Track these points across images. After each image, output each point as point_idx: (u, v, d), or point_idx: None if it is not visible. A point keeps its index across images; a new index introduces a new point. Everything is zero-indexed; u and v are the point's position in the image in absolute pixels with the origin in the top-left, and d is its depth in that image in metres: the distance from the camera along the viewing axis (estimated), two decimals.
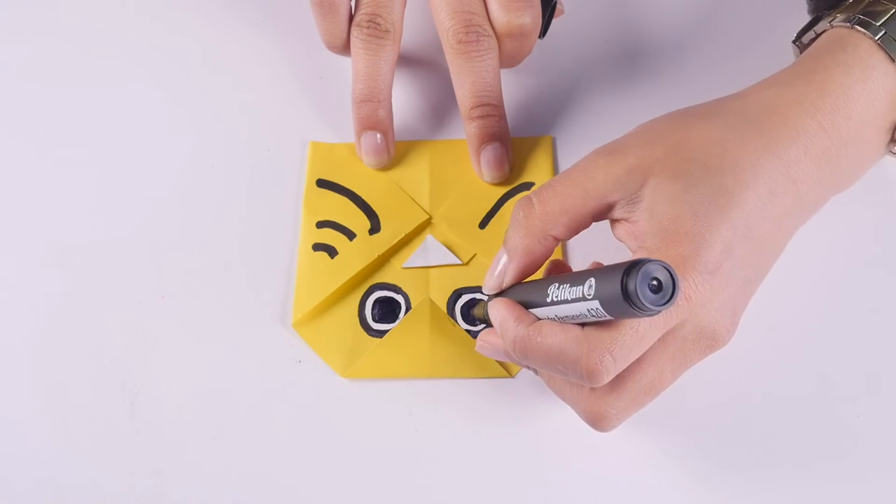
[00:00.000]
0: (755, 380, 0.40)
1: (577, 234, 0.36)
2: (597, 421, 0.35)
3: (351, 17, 0.45)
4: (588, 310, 0.30)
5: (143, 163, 0.47)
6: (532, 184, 0.45)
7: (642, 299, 0.27)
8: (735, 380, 0.40)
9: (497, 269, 0.36)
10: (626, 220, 0.35)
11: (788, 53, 0.44)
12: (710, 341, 0.33)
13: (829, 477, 0.38)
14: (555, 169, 0.46)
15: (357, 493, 0.38)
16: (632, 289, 0.27)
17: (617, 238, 0.36)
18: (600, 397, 0.34)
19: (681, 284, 0.28)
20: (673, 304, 0.28)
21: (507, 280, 0.36)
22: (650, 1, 0.52)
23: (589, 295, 0.29)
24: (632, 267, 0.27)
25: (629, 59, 0.50)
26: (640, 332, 0.31)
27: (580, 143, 0.47)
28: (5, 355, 0.42)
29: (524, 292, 0.35)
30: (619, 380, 0.33)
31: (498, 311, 0.35)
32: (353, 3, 0.45)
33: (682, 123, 0.36)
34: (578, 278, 0.30)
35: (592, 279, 0.29)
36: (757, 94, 0.37)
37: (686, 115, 0.37)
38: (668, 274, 0.28)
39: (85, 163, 0.47)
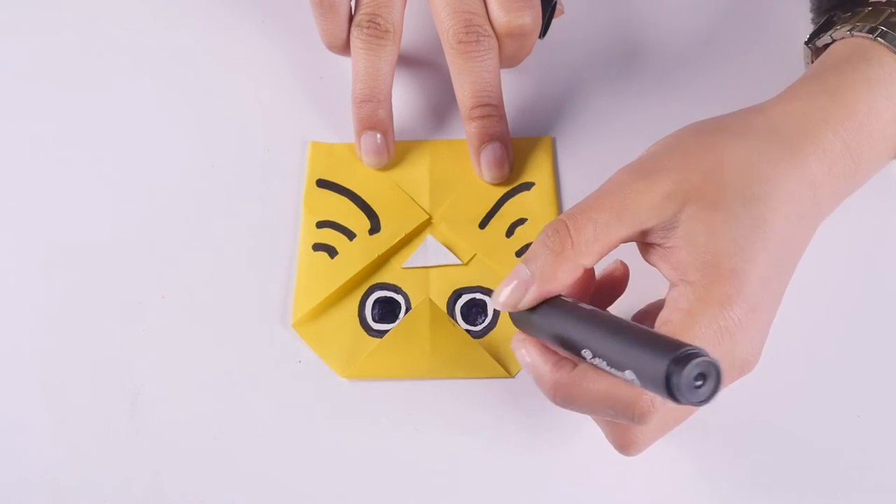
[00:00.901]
0: (751, 377, 0.40)
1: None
2: (625, 447, 0.35)
3: (351, 17, 0.45)
4: (630, 380, 0.30)
5: (142, 163, 0.47)
6: (532, 184, 0.45)
7: (687, 397, 0.28)
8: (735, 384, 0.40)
9: (515, 286, 0.34)
10: (660, 245, 0.34)
11: (788, 55, 0.44)
12: (739, 370, 0.34)
13: (829, 476, 0.38)
14: (555, 169, 0.46)
15: (357, 493, 0.38)
16: (675, 386, 0.27)
17: (648, 262, 0.36)
18: (630, 426, 0.34)
19: (724, 380, 0.28)
20: (714, 399, 0.28)
21: (525, 302, 0.34)
22: (650, 1, 0.52)
23: (630, 380, 0.29)
24: (676, 363, 0.27)
25: (629, 59, 0.50)
26: None
27: (580, 143, 0.47)
28: (5, 355, 0.42)
29: (548, 323, 0.34)
30: None
31: (530, 355, 0.34)
32: (353, 3, 0.45)
33: (713, 144, 0.35)
34: (617, 357, 0.30)
35: (632, 371, 0.29)
36: (781, 109, 0.37)
37: (716, 134, 0.36)
38: (712, 369, 0.28)
39: (85, 163, 0.47)
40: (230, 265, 0.44)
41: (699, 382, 0.28)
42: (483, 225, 0.45)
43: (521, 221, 0.44)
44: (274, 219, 0.45)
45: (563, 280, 0.34)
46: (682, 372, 0.27)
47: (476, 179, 0.46)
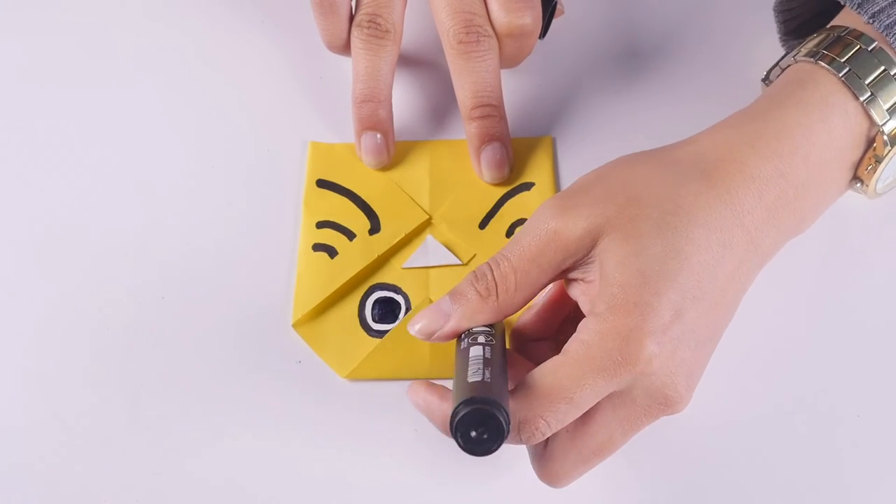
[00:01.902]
0: (751, 379, 0.40)
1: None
2: (549, 479, 0.35)
3: (351, 18, 0.45)
4: None
5: (143, 163, 0.47)
6: (532, 184, 0.45)
7: (463, 444, 0.29)
8: (731, 380, 0.40)
9: (433, 318, 0.35)
10: (582, 280, 0.34)
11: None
12: (661, 406, 0.33)
13: (829, 477, 0.38)
14: (555, 169, 0.46)
15: (357, 493, 0.38)
16: (453, 433, 0.30)
17: (572, 296, 0.36)
18: (550, 458, 0.34)
19: (507, 430, 0.29)
20: (499, 447, 0.29)
21: (439, 336, 0.35)
22: (650, 1, 0.52)
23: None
24: (455, 413, 0.29)
25: (629, 59, 0.50)
26: (574, 401, 0.32)
27: (580, 143, 0.47)
28: (5, 355, 0.42)
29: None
30: (569, 440, 0.34)
31: (420, 396, 0.34)
32: (353, 3, 0.45)
33: (635, 177, 0.35)
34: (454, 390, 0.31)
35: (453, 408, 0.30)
36: (710, 139, 0.36)
37: (640, 167, 0.36)
38: (491, 421, 0.29)
39: (85, 163, 0.47)
40: (230, 265, 0.44)
41: (474, 433, 0.29)
42: (483, 225, 0.45)
43: (521, 222, 0.44)
44: (274, 219, 0.45)
45: (482, 322, 0.35)
46: (453, 421, 0.29)
47: (476, 179, 0.46)
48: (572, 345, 0.33)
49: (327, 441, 0.40)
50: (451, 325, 0.35)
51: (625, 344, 0.31)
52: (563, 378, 0.32)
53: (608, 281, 0.33)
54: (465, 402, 0.29)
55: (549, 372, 0.32)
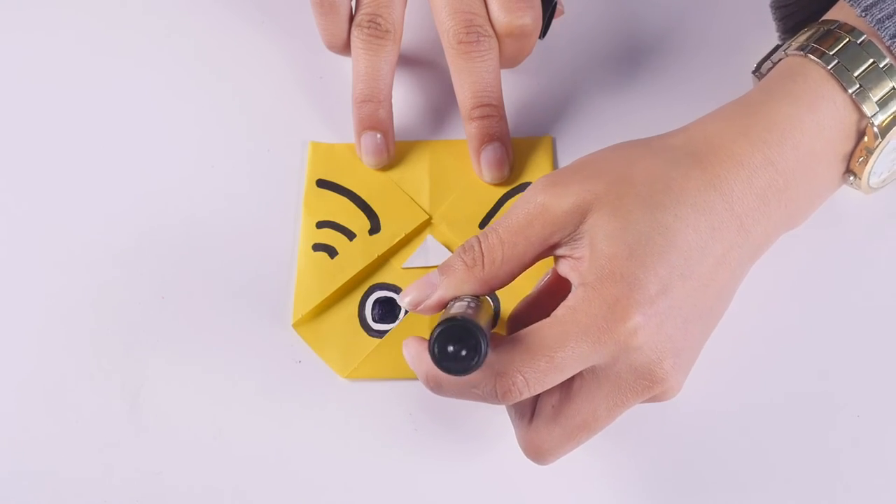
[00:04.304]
0: (752, 379, 0.40)
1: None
2: (533, 454, 0.35)
3: (351, 17, 0.45)
4: None
5: (143, 163, 0.47)
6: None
7: (440, 362, 0.30)
8: (732, 379, 0.40)
9: (421, 288, 0.36)
10: (570, 256, 0.35)
11: None
12: (646, 382, 0.33)
13: (829, 477, 0.38)
14: (554, 169, 0.46)
15: (357, 493, 0.38)
16: (430, 351, 0.30)
17: (561, 273, 0.36)
18: (535, 431, 0.35)
19: (485, 349, 0.30)
20: (477, 368, 0.30)
21: (426, 306, 0.36)
22: (650, 1, 0.52)
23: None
24: (431, 338, 0.30)
25: (629, 59, 0.50)
26: (554, 361, 0.32)
27: (580, 143, 0.47)
28: (5, 355, 0.42)
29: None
30: (553, 415, 0.34)
31: (412, 347, 0.35)
32: (353, 3, 0.45)
33: (626, 158, 0.35)
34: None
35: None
36: (702, 129, 0.37)
37: (631, 150, 0.36)
38: (470, 338, 0.29)
39: (85, 163, 0.47)
40: (230, 265, 0.44)
41: (451, 347, 0.29)
42: (483, 225, 0.45)
43: None
44: (274, 219, 0.45)
45: (467, 292, 0.35)
46: (432, 339, 0.29)
47: (476, 179, 0.46)
48: (559, 310, 0.33)
49: (327, 441, 0.40)
50: (438, 294, 0.35)
51: (610, 312, 0.32)
52: (546, 337, 0.32)
53: (597, 254, 0.33)
54: (443, 322, 0.30)
55: (533, 331, 0.33)
